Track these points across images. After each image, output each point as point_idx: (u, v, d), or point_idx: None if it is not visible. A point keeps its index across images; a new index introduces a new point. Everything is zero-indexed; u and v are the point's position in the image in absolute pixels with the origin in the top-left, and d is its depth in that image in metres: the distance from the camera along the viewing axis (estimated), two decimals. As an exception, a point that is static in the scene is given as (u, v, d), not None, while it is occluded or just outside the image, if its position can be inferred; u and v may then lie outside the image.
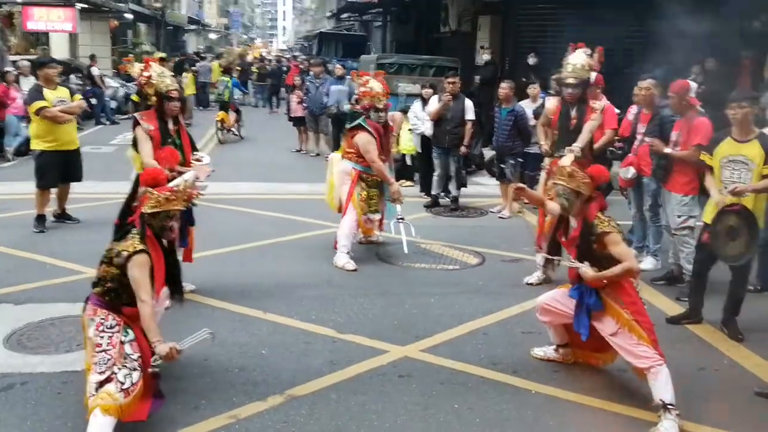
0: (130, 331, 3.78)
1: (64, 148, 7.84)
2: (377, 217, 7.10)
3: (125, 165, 6.46)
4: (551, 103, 6.53)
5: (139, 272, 3.67)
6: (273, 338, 4.98)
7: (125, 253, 3.70)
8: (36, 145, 7.83)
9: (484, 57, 14.73)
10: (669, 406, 3.84)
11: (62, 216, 8.06)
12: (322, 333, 5.08)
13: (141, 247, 3.72)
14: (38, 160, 7.83)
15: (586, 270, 4.09)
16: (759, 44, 12.52)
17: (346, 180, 6.90)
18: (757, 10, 12.27)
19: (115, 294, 3.79)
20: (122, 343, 3.70)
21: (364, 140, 6.77)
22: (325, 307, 5.61)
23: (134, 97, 12.08)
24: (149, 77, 5.59)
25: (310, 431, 3.80)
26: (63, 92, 7.90)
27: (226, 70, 20.24)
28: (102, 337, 3.69)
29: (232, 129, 16.30)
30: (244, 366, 4.52)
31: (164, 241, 3.95)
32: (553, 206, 4.42)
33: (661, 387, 3.90)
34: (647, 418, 3.99)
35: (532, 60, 12.97)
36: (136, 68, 5.81)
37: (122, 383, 3.55)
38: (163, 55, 14.12)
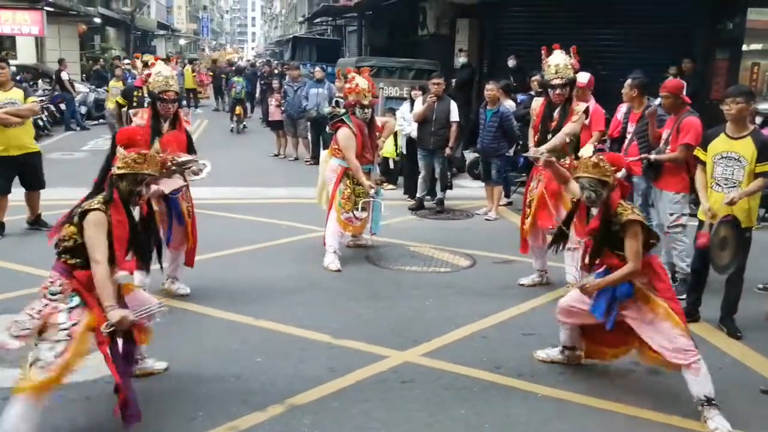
0: (76, 298, 3.58)
1: (11, 154, 7.38)
2: (363, 215, 6.88)
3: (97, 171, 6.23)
4: (536, 103, 6.39)
5: (92, 231, 3.52)
6: (267, 345, 4.80)
7: (79, 210, 3.57)
8: None
9: (460, 60, 14.70)
10: (713, 402, 3.80)
11: (36, 223, 7.77)
12: (318, 339, 4.92)
13: (97, 206, 3.57)
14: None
15: (589, 282, 4.06)
16: (733, 46, 12.69)
17: (334, 177, 6.81)
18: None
19: (70, 255, 3.61)
20: (59, 311, 3.51)
21: (345, 136, 6.68)
22: (318, 312, 5.45)
23: (120, 100, 11.79)
24: (148, 75, 5.47)
25: (314, 442, 3.65)
26: (15, 94, 7.40)
27: (238, 72, 20.95)
28: (39, 304, 3.55)
29: (244, 122, 18.59)
30: (240, 374, 4.33)
31: (137, 210, 3.78)
32: (575, 187, 4.28)
33: (703, 382, 3.83)
34: (658, 419, 3.91)
35: (511, 62, 12.96)
36: (139, 66, 5.66)
37: (39, 360, 3.39)
38: (147, 58, 13.88)
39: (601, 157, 4.07)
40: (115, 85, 15.66)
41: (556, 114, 6.02)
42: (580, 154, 5.53)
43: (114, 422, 3.75)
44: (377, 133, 7.11)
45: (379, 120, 7.36)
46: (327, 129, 11.34)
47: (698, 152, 5.32)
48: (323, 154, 7.38)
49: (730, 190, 4.98)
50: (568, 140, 5.92)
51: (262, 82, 19.33)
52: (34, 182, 7.75)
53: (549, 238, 6.09)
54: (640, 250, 3.89)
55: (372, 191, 6.78)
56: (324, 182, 7.09)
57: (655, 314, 3.92)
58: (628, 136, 6.66)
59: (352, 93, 6.72)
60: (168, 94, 5.38)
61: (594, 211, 4.10)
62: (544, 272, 6.25)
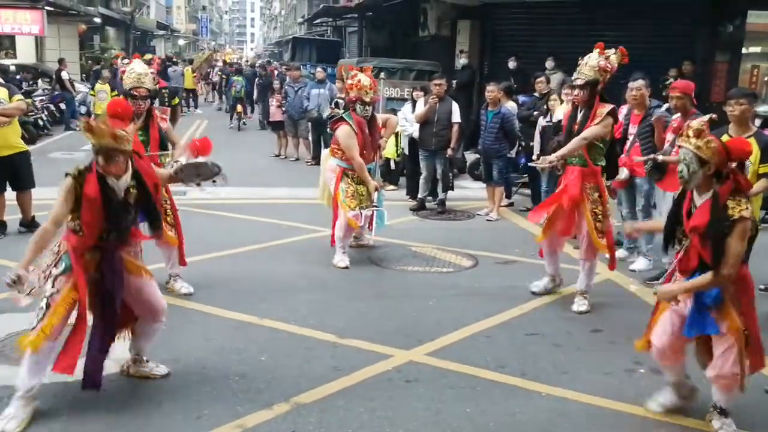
0: (63, 264, 3.71)
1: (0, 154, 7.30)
2: (367, 213, 6.74)
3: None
4: (564, 108, 6.30)
5: (59, 193, 3.64)
6: (272, 344, 4.81)
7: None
8: None
9: (461, 61, 14.73)
10: (727, 412, 3.76)
11: (32, 225, 7.61)
12: (322, 338, 4.93)
13: (72, 172, 3.65)
14: None
15: (668, 288, 3.65)
16: (733, 48, 12.74)
17: (333, 178, 6.80)
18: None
19: (71, 217, 3.72)
20: (51, 276, 3.69)
21: (345, 134, 6.62)
22: (323, 312, 5.46)
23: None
24: (123, 72, 5.63)
25: (321, 440, 3.66)
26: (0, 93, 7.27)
27: (238, 71, 21.12)
28: (46, 260, 3.74)
29: (244, 119, 19.17)
30: (245, 373, 4.34)
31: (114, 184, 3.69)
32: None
33: (729, 400, 3.72)
34: (664, 419, 3.92)
35: (512, 64, 12.99)
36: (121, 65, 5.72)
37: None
38: (149, 57, 13.87)
39: (702, 126, 3.54)
40: (102, 88, 14.88)
41: (579, 117, 5.64)
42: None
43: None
44: (379, 132, 7.06)
45: (380, 117, 7.27)
46: (328, 129, 11.41)
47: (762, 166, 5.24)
48: (324, 153, 7.36)
49: None
50: (587, 144, 5.56)
51: (259, 81, 19.25)
52: (23, 182, 7.63)
53: (566, 246, 6.29)
54: (742, 254, 3.44)
55: (376, 194, 6.74)
56: (325, 182, 7.08)
57: (727, 334, 3.56)
58: (630, 138, 6.68)
59: (354, 89, 6.65)
60: (139, 90, 5.45)
61: (698, 199, 3.54)
62: (556, 277, 6.06)
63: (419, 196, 9.39)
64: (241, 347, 4.74)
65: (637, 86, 6.57)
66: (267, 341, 4.87)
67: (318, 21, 31.64)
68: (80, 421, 3.77)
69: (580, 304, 5.62)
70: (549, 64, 11.90)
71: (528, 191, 9.84)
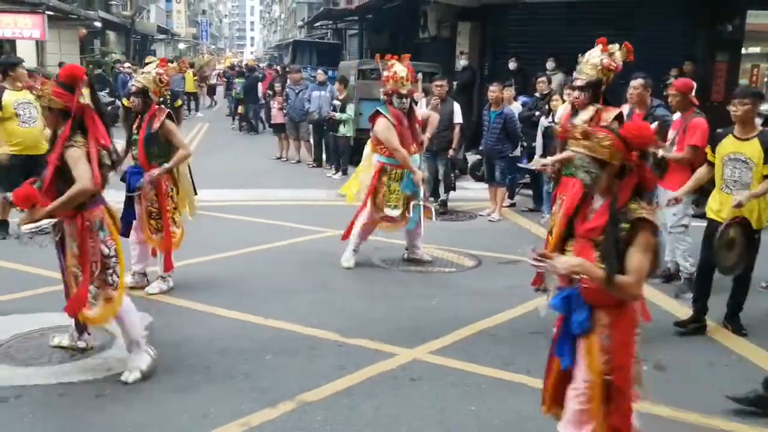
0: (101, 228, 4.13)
1: (30, 153, 7.26)
2: (395, 213, 6.52)
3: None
4: (563, 109, 5.95)
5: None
6: (276, 344, 4.82)
7: None
8: None
9: (461, 63, 14.75)
10: None
11: None
12: (326, 337, 4.94)
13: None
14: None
15: (569, 261, 2.85)
16: (733, 48, 12.75)
17: (372, 174, 6.57)
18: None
19: None
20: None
21: (382, 127, 6.37)
22: (326, 312, 5.47)
23: (126, 102, 11.79)
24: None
25: (326, 438, 3.67)
26: (29, 95, 7.19)
27: (240, 74, 21.33)
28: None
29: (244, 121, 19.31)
30: (249, 372, 4.35)
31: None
32: None
33: None
34: (669, 415, 3.93)
35: (512, 64, 13.00)
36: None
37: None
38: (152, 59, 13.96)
39: (585, 125, 3.08)
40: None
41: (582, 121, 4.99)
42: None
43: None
44: (418, 127, 6.72)
45: (421, 113, 6.94)
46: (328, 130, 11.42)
47: (708, 153, 5.30)
48: (366, 149, 6.91)
49: (739, 193, 4.90)
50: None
51: (246, 83, 19.01)
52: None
53: None
54: (646, 267, 2.75)
55: (422, 187, 6.51)
56: (357, 176, 6.84)
57: (585, 378, 2.90)
58: None
59: (390, 81, 6.39)
60: (131, 87, 5.84)
61: (597, 203, 2.92)
62: None
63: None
64: (245, 347, 4.75)
65: (635, 85, 6.58)
66: (271, 341, 4.88)
67: (318, 24, 31.72)
68: (85, 420, 3.78)
69: None
70: (550, 64, 11.90)
71: (530, 192, 9.85)
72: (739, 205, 4.78)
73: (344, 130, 12.06)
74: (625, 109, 7.27)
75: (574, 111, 5.23)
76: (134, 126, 5.65)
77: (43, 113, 4.25)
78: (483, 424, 3.82)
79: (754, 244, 5.05)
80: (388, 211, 6.55)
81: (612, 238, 2.76)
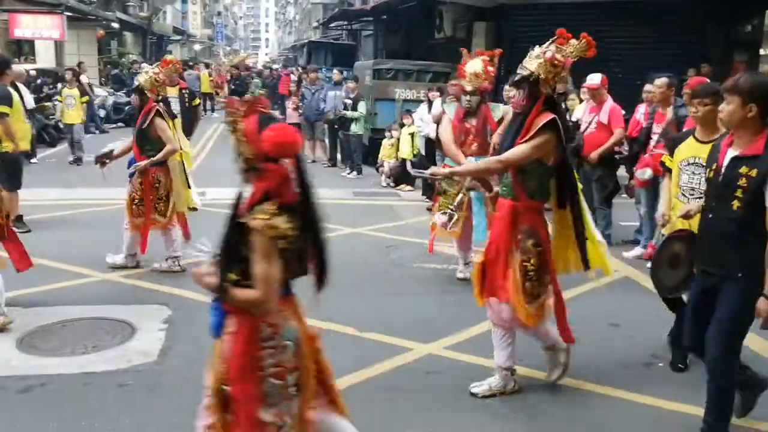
0: None
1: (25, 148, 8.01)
2: (443, 219, 6.12)
3: (118, 172, 6.59)
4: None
5: None
6: (293, 337, 4.89)
7: None
8: (3, 147, 7.42)
9: (476, 63, 14.77)
10: None
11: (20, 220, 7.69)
12: (343, 332, 5.01)
13: None
14: (14, 160, 7.59)
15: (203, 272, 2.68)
16: (751, 48, 12.71)
17: None
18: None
19: None
20: None
21: (441, 124, 6.15)
22: (342, 307, 5.48)
23: None
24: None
25: (344, 428, 3.72)
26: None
27: (258, 74, 21.55)
28: None
29: None
30: (268, 365, 4.42)
31: None
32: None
33: None
34: (683, 410, 3.96)
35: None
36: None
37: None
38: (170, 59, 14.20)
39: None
40: (70, 93, 13.06)
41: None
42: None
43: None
44: (488, 127, 6.04)
45: (502, 109, 6.23)
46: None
47: (665, 158, 4.49)
48: None
49: (694, 202, 4.03)
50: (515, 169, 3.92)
51: (232, 86, 19.01)
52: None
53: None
54: (272, 275, 2.54)
55: (470, 192, 5.88)
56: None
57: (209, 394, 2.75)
58: (654, 137, 6.66)
59: (462, 78, 6.08)
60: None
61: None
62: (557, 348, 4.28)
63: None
64: (263, 340, 4.82)
65: (659, 84, 6.58)
66: (289, 334, 4.95)
67: (333, 25, 31.84)
68: (108, 408, 3.87)
69: (481, 387, 4.15)
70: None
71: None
72: (687, 216, 3.83)
73: (356, 128, 12.14)
74: (641, 108, 7.33)
75: (515, 116, 4.06)
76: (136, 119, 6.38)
77: None
78: (498, 417, 3.87)
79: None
80: (436, 217, 6.20)
81: (226, 242, 2.61)
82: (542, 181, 3.94)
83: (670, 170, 4.39)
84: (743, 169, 3.22)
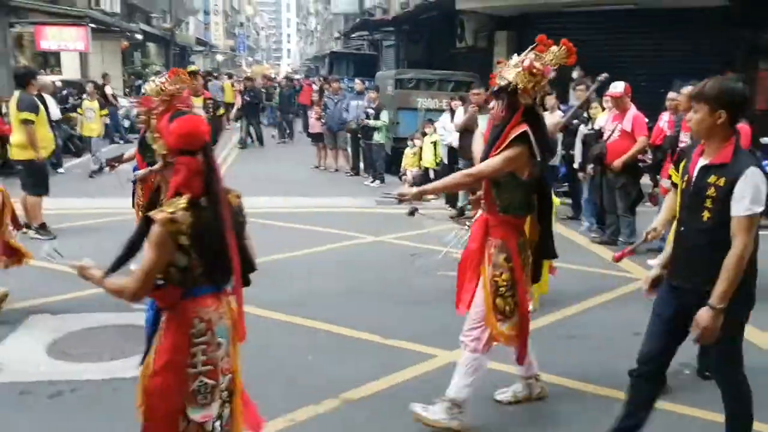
0: None
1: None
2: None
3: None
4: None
5: None
6: (318, 344, 4.94)
7: None
8: (28, 155, 7.79)
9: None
10: None
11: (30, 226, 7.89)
12: (367, 338, 5.04)
13: None
14: (39, 167, 7.87)
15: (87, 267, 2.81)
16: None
17: None
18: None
19: None
20: None
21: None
22: (365, 315, 5.56)
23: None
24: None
25: (369, 434, 3.75)
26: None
27: (279, 85, 21.78)
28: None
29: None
30: (292, 372, 4.47)
31: None
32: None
33: None
34: (708, 417, 3.92)
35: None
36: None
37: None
38: (194, 68, 14.44)
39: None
40: (90, 106, 12.98)
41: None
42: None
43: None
44: None
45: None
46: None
47: (671, 172, 4.04)
48: None
49: None
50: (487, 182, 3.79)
51: (246, 98, 18.31)
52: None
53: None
54: (153, 267, 2.54)
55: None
56: None
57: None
58: (681, 145, 6.61)
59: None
60: None
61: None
62: (531, 378, 4.25)
63: (459, 204, 9.46)
64: (287, 347, 4.87)
65: (686, 93, 6.53)
66: (313, 341, 5.00)
67: (354, 35, 32.02)
68: (132, 416, 3.91)
69: (506, 394, 4.20)
70: (576, 74, 11.86)
71: (569, 200, 9.83)
72: None
73: (378, 137, 12.20)
74: (664, 117, 7.30)
75: (493, 127, 3.83)
76: None
77: None
78: (523, 423, 3.87)
79: None
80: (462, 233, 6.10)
81: (133, 235, 2.65)
82: (517, 196, 3.74)
83: (676, 185, 3.78)
84: (712, 179, 3.06)
